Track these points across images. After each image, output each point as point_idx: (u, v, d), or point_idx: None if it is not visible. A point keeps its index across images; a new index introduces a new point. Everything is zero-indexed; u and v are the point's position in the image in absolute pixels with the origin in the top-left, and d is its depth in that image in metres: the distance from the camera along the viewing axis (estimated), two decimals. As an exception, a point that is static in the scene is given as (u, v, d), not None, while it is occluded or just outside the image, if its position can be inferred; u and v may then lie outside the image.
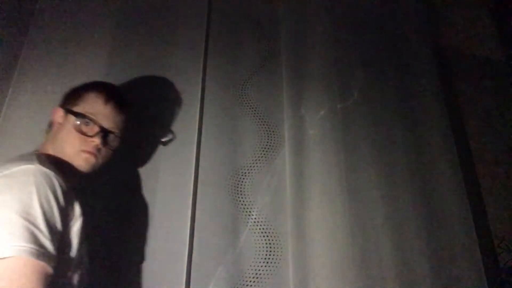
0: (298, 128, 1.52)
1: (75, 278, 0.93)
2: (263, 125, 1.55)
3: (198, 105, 1.47)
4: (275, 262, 1.35)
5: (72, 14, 1.52)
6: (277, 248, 1.37)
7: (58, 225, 0.85)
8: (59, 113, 1.05)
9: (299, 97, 1.56)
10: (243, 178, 1.45)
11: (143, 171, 1.35)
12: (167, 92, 1.47)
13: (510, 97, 1.97)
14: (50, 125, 1.07)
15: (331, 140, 1.50)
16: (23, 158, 0.91)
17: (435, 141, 1.61)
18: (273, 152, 1.51)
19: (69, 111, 1.03)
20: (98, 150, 1.01)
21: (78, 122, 1.01)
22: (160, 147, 1.38)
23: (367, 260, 1.36)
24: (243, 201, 1.42)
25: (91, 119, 1.02)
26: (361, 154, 1.51)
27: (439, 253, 1.42)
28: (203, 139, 1.44)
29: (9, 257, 0.76)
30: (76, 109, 1.03)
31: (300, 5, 1.73)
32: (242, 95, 1.57)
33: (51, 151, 1.01)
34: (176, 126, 1.42)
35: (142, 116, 1.36)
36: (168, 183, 1.34)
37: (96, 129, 1.01)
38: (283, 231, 1.39)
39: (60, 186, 0.88)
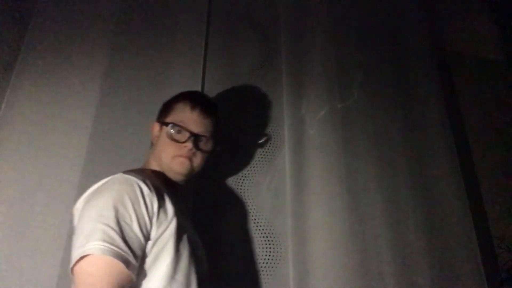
0: (298, 128, 1.52)
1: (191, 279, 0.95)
2: (263, 125, 1.54)
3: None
4: (275, 262, 1.35)
5: (72, 14, 1.52)
6: (277, 248, 1.37)
7: (136, 226, 0.89)
8: (156, 127, 1.14)
9: (299, 97, 1.56)
10: (243, 178, 1.45)
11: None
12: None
13: (510, 97, 1.97)
14: (152, 141, 1.15)
15: (331, 140, 1.50)
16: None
17: (435, 141, 1.61)
18: (273, 152, 1.51)
19: (162, 123, 1.11)
20: (192, 154, 1.07)
21: (171, 131, 1.08)
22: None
23: (367, 260, 1.36)
24: (243, 201, 1.42)
25: (181, 126, 1.08)
26: (361, 154, 1.51)
27: (439, 253, 1.42)
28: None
29: (86, 255, 0.83)
30: (168, 119, 1.10)
31: (300, 5, 1.73)
32: (242, 95, 1.57)
33: (153, 163, 1.10)
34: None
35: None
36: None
37: (187, 134, 1.07)
38: (283, 231, 1.39)
39: (142, 190, 0.93)
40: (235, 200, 1.42)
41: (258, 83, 1.60)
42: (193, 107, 1.10)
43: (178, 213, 0.98)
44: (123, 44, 1.51)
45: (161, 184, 1.03)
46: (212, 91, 1.52)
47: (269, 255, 1.36)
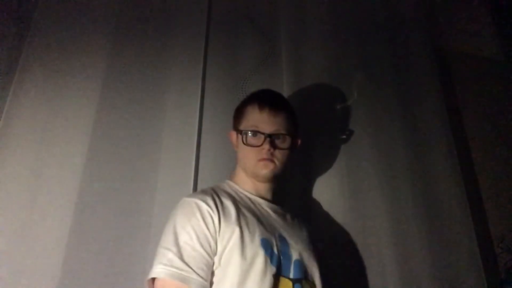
0: (298, 128, 1.52)
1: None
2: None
3: (198, 105, 1.47)
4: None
5: (72, 14, 1.52)
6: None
7: (198, 245, 0.94)
8: (233, 136, 1.17)
9: (299, 97, 1.56)
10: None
11: (142, 170, 1.35)
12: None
13: (510, 97, 1.97)
14: (234, 148, 1.19)
15: (331, 140, 1.50)
16: None
17: (435, 141, 1.61)
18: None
19: (237, 130, 1.14)
20: (271, 154, 1.08)
21: (247, 137, 1.10)
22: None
23: (367, 259, 1.36)
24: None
25: (254, 131, 1.09)
26: (361, 154, 1.51)
27: (439, 253, 1.43)
28: (203, 139, 1.44)
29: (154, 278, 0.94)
30: (242, 126, 1.13)
31: (300, 5, 1.73)
32: (242, 95, 1.57)
33: (240, 170, 1.14)
34: (175, 126, 1.42)
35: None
36: (168, 183, 1.34)
37: (262, 137, 1.08)
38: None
39: (200, 208, 0.98)
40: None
41: (258, 82, 1.60)
42: (261, 108, 1.11)
43: (244, 219, 1.00)
44: (123, 44, 1.51)
45: (238, 193, 1.10)
46: (212, 91, 1.52)
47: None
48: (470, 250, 1.46)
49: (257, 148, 1.08)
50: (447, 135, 1.63)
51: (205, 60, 1.55)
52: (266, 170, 1.08)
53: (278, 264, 0.97)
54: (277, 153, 1.09)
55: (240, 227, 0.98)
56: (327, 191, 1.43)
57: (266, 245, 0.98)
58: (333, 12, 1.73)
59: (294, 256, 1.02)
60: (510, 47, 2.07)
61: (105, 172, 1.31)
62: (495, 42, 2.10)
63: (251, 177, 1.12)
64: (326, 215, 1.40)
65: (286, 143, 1.11)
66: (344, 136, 1.52)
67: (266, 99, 1.14)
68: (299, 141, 1.17)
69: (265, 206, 1.11)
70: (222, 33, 1.63)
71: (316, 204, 1.41)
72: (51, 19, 1.50)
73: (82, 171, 1.28)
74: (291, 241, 1.04)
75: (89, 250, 1.20)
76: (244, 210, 1.04)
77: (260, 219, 1.04)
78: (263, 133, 1.08)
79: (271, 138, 1.08)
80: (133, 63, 1.48)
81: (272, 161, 1.08)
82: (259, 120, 1.10)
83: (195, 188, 1.35)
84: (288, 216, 1.14)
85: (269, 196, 1.14)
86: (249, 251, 0.95)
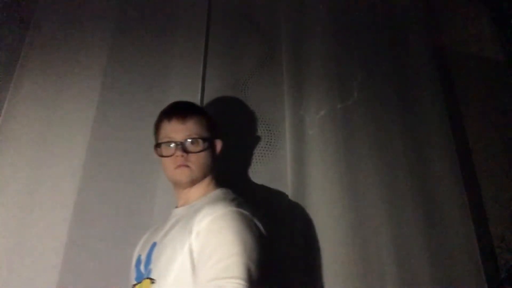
0: (298, 128, 1.52)
1: None
2: (263, 124, 1.54)
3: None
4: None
5: (72, 14, 1.52)
6: (277, 247, 1.37)
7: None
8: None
9: (299, 97, 1.56)
10: (243, 178, 1.45)
11: (142, 170, 1.35)
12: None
13: (510, 97, 1.96)
14: None
15: (331, 140, 1.50)
16: None
17: (435, 141, 1.61)
18: (273, 151, 1.51)
19: (154, 147, 1.15)
20: (185, 159, 1.10)
21: (161, 148, 1.12)
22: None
23: (367, 259, 1.36)
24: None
25: (165, 142, 1.12)
26: (361, 154, 1.51)
27: (439, 253, 1.42)
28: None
29: None
30: (157, 141, 1.15)
31: (300, 5, 1.73)
32: (242, 95, 1.57)
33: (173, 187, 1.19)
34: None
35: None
36: (168, 183, 1.33)
37: (172, 145, 1.10)
38: (283, 231, 1.39)
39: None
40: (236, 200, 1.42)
41: (258, 83, 1.60)
42: (169, 118, 1.13)
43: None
44: (123, 44, 1.51)
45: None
46: (212, 91, 1.52)
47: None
48: (470, 250, 1.46)
49: (172, 157, 1.10)
50: (447, 135, 1.63)
51: (205, 60, 1.55)
52: (182, 175, 1.10)
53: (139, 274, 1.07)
54: (192, 157, 1.10)
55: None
56: (327, 191, 1.43)
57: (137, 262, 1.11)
58: (333, 12, 1.73)
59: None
60: (511, 47, 2.07)
61: (104, 172, 1.31)
62: (496, 42, 2.10)
63: (177, 189, 1.16)
64: (326, 215, 1.40)
65: (199, 146, 1.12)
66: (344, 136, 1.52)
67: (171, 109, 1.17)
68: (220, 143, 1.19)
69: (173, 216, 1.13)
70: (222, 33, 1.63)
71: (316, 204, 1.41)
72: (51, 19, 1.50)
73: (81, 171, 1.28)
74: (160, 245, 1.06)
75: (89, 250, 1.20)
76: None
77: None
78: (174, 142, 1.10)
79: (183, 145, 1.10)
80: (133, 63, 1.49)
81: (187, 166, 1.10)
82: (170, 129, 1.12)
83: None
84: (191, 210, 1.09)
85: (195, 198, 1.13)
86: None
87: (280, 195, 1.45)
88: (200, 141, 1.12)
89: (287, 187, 1.45)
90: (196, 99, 1.48)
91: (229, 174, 1.43)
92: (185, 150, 1.10)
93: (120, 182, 1.31)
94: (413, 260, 1.39)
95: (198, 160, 1.11)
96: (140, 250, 1.13)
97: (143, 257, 1.08)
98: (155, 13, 1.59)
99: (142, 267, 1.06)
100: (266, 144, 1.51)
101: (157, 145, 1.14)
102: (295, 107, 1.55)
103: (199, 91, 1.50)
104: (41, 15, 1.50)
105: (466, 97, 1.93)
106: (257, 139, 1.51)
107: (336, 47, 1.67)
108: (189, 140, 1.11)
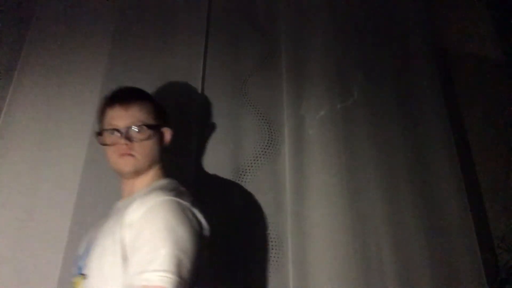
0: (298, 128, 1.52)
1: None
2: (263, 125, 1.55)
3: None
4: (275, 262, 1.35)
5: (72, 14, 1.52)
6: (277, 247, 1.37)
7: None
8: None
9: (299, 97, 1.56)
10: (243, 178, 1.45)
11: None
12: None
13: (510, 97, 1.97)
14: None
15: (331, 140, 1.50)
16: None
17: (435, 141, 1.61)
18: (273, 151, 1.51)
19: (96, 135, 1.08)
20: (130, 148, 1.02)
21: (104, 136, 1.04)
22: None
23: (367, 259, 1.36)
24: (244, 201, 1.42)
25: (108, 129, 1.04)
26: (361, 154, 1.51)
27: (439, 253, 1.43)
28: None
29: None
30: (99, 128, 1.07)
31: (300, 5, 1.73)
32: (242, 95, 1.57)
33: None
34: (176, 126, 1.42)
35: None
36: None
37: (115, 133, 1.03)
38: (283, 231, 1.39)
39: None
40: (235, 200, 1.42)
41: (258, 83, 1.60)
42: (111, 105, 1.06)
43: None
44: (123, 44, 1.51)
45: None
46: (212, 90, 1.52)
47: (269, 255, 1.36)
48: (470, 250, 1.46)
49: (115, 146, 1.03)
50: (447, 135, 1.63)
51: (205, 60, 1.55)
52: (126, 165, 1.03)
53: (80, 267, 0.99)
54: (136, 146, 1.03)
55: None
56: (327, 191, 1.43)
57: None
58: (333, 12, 1.73)
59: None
60: (511, 47, 2.07)
61: (105, 172, 1.31)
62: (496, 43, 2.10)
63: (122, 180, 1.07)
64: (326, 215, 1.40)
65: (144, 135, 1.04)
66: (344, 136, 1.52)
67: (114, 95, 1.09)
68: (169, 131, 1.11)
69: (114, 209, 1.06)
70: (222, 33, 1.63)
71: (316, 204, 1.41)
72: (51, 19, 1.50)
73: (82, 171, 1.28)
74: (95, 240, 1.00)
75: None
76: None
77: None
78: (117, 129, 1.03)
79: (127, 132, 1.02)
80: (133, 63, 1.48)
81: (131, 155, 1.02)
82: (113, 116, 1.04)
83: (195, 188, 1.35)
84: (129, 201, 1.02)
85: (139, 190, 1.06)
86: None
87: (280, 194, 1.45)
88: (145, 128, 1.04)
89: (287, 187, 1.45)
90: (196, 99, 1.48)
91: (229, 173, 1.44)
92: (129, 138, 1.02)
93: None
94: (413, 260, 1.39)
95: (143, 149, 1.04)
96: (81, 246, 1.06)
97: (82, 253, 1.02)
98: (155, 13, 1.59)
99: (80, 263, 1.01)
100: (266, 144, 1.51)
101: (99, 133, 1.06)
102: (295, 107, 1.55)
103: (199, 91, 1.50)
104: (41, 15, 1.50)
105: (466, 97, 1.93)
106: (257, 139, 1.51)
107: (336, 47, 1.67)
108: (134, 128, 1.03)
